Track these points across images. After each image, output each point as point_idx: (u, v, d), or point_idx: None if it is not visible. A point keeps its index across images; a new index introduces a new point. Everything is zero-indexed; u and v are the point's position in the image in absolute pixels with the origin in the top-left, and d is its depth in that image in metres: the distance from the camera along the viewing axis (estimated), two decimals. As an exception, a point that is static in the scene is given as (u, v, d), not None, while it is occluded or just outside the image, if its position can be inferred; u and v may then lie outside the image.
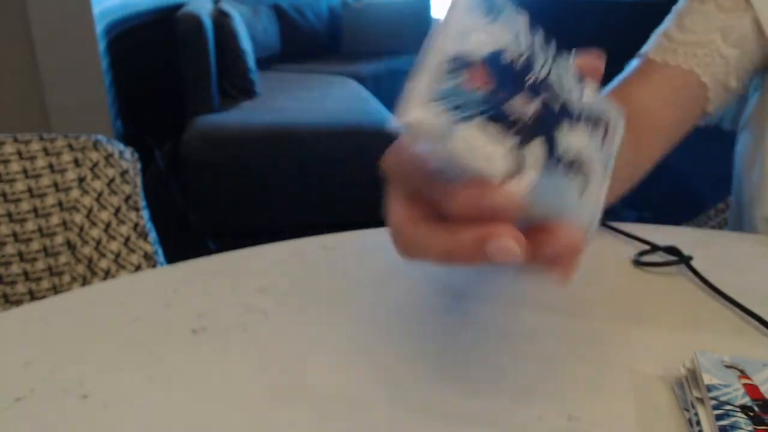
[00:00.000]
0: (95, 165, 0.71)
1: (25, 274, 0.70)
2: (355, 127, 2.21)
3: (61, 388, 0.33)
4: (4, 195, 0.69)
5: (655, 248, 0.47)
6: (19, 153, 0.69)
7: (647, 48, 0.53)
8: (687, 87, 0.51)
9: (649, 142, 0.51)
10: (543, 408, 0.31)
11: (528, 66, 0.22)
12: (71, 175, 0.70)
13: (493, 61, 0.21)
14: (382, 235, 0.50)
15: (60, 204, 0.70)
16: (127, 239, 0.70)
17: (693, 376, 0.31)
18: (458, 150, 0.20)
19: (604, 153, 0.25)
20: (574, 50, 0.26)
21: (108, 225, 0.70)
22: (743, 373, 0.30)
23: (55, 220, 0.70)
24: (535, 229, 0.23)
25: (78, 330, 0.38)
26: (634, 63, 0.53)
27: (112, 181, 0.71)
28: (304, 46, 3.82)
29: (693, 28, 0.51)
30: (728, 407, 0.28)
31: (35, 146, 0.70)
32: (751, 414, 0.28)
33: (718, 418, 0.27)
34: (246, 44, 2.53)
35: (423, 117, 0.20)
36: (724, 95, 0.53)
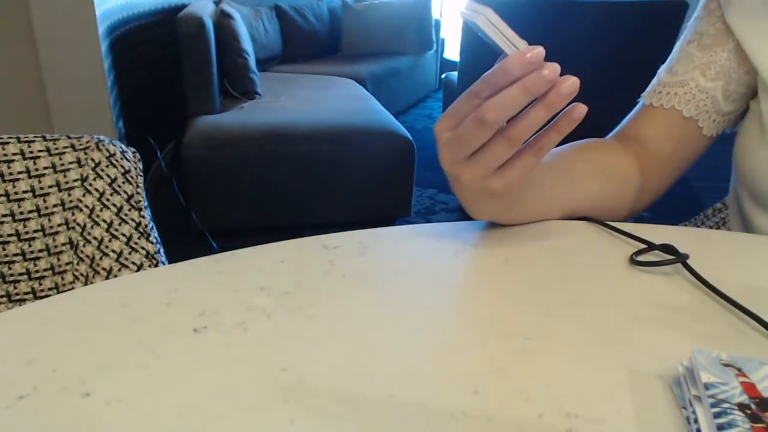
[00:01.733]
0: (97, 165, 0.71)
1: (28, 273, 0.70)
2: (355, 127, 2.21)
3: (64, 387, 0.33)
4: (7, 195, 0.69)
5: (651, 247, 0.47)
6: (22, 153, 0.69)
7: (645, 92, 0.63)
8: (674, 122, 0.59)
9: (653, 169, 0.59)
10: (542, 406, 0.31)
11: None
12: (73, 174, 0.71)
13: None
14: (383, 235, 0.50)
15: (62, 203, 0.71)
16: (129, 238, 0.70)
17: (691, 375, 0.31)
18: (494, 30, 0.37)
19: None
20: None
21: (110, 224, 0.70)
22: (741, 372, 0.30)
23: (57, 219, 0.70)
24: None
25: (80, 329, 0.38)
26: (638, 105, 0.63)
27: (114, 180, 0.71)
28: (305, 47, 3.82)
29: (677, 71, 0.59)
30: (725, 405, 0.28)
31: (38, 146, 0.70)
32: (749, 412, 0.28)
33: (716, 416, 0.28)
34: (247, 45, 2.53)
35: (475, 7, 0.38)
36: (720, 118, 0.59)
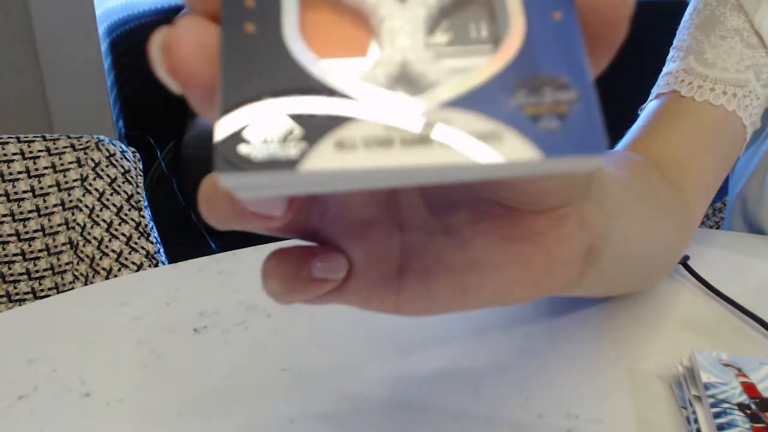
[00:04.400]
0: (97, 165, 0.71)
1: (28, 273, 0.70)
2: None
3: (64, 387, 0.33)
4: (7, 194, 0.69)
5: (653, 248, 0.47)
6: (22, 153, 0.69)
7: (668, 87, 0.47)
8: (727, 130, 0.46)
9: (694, 200, 0.44)
10: (542, 406, 0.31)
11: None
12: (73, 174, 0.71)
13: None
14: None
15: (62, 203, 0.71)
16: (129, 238, 0.70)
17: (691, 375, 0.31)
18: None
19: None
20: None
21: (110, 224, 0.70)
22: (741, 372, 0.30)
23: (57, 219, 0.70)
24: None
25: (80, 329, 0.38)
26: (654, 104, 0.47)
27: (114, 180, 0.71)
28: (306, 46, 3.81)
29: (723, 65, 0.46)
30: (726, 405, 0.28)
31: (38, 146, 0.70)
32: (748, 412, 0.28)
33: (716, 416, 0.28)
34: (247, 45, 2.53)
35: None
36: (751, 136, 0.48)
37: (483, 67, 0.13)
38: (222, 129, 0.12)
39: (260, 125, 0.12)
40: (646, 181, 0.39)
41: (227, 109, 0.12)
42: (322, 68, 0.13)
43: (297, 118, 0.12)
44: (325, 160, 0.12)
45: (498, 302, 0.21)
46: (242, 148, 0.12)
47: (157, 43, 0.15)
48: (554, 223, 0.20)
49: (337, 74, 0.13)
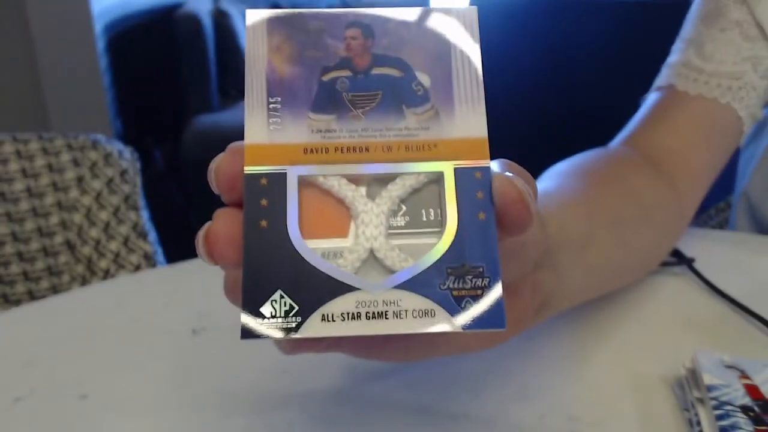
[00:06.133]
0: (94, 164, 0.71)
1: (25, 273, 0.70)
2: (354, 126, 2.20)
3: (61, 388, 0.33)
4: (3, 195, 0.69)
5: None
6: (18, 152, 0.69)
7: (666, 80, 0.48)
8: (722, 123, 0.47)
9: (687, 191, 0.46)
10: (544, 407, 0.31)
11: None
12: (70, 174, 0.70)
13: None
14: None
15: (59, 204, 0.70)
16: (127, 239, 0.70)
17: (693, 376, 0.31)
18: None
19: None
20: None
21: (107, 225, 0.70)
22: (743, 374, 0.30)
23: (54, 219, 0.70)
24: None
25: (77, 330, 0.38)
26: (652, 98, 0.49)
27: (111, 180, 0.71)
28: (304, 45, 3.81)
29: (720, 58, 0.47)
30: (728, 407, 0.28)
31: (34, 146, 0.70)
32: (752, 414, 0.28)
33: (718, 418, 0.27)
34: (245, 44, 2.52)
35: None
36: (751, 128, 0.49)
37: (427, 254, 0.20)
38: (245, 307, 0.19)
39: (270, 304, 0.19)
40: (625, 189, 0.42)
41: (249, 293, 0.19)
42: (315, 257, 0.20)
43: (295, 299, 0.19)
44: (313, 329, 0.19)
45: (464, 352, 0.28)
46: (258, 322, 0.19)
47: (200, 235, 0.21)
48: (508, 294, 0.23)
49: (325, 262, 0.20)
